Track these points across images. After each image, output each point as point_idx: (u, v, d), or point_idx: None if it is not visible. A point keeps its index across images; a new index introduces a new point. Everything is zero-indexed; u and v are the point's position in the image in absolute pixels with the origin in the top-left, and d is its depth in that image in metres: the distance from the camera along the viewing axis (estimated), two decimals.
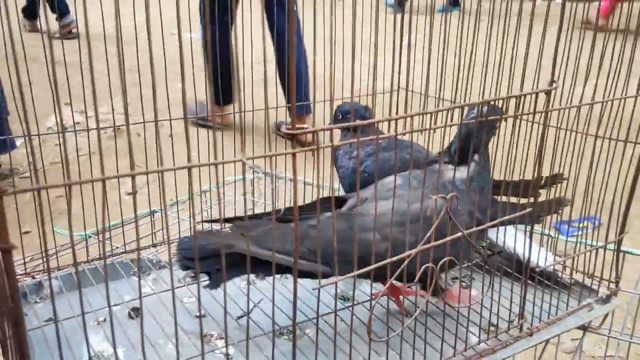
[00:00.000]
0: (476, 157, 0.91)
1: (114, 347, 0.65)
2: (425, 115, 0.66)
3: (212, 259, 0.78)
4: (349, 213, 0.87)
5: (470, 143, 0.86)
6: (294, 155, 0.57)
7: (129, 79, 0.72)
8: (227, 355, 0.86)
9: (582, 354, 2.15)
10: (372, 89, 0.60)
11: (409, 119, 0.64)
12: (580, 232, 1.09)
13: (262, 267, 0.79)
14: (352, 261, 0.68)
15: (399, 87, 0.95)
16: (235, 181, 1.50)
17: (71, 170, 0.52)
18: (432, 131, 0.68)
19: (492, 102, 0.77)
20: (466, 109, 0.87)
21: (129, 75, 0.68)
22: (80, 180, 0.50)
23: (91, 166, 1.32)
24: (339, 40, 0.71)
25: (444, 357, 0.80)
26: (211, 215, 1.35)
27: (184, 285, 1.04)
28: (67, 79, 1.01)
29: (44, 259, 0.61)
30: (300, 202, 1.24)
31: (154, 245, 1.17)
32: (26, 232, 1.13)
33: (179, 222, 1.26)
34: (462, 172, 0.92)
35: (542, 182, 1.03)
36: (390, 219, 0.73)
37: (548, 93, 0.77)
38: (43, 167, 1.36)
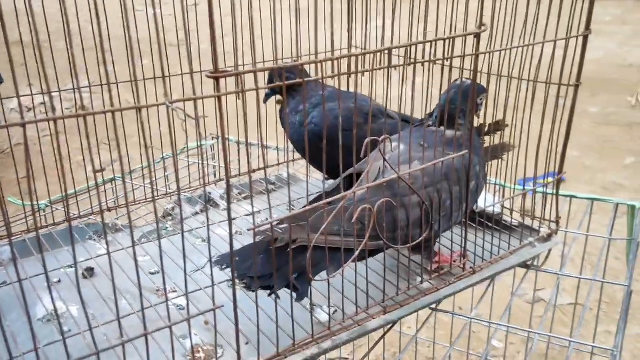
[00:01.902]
0: (460, 120, 0.93)
1: (54, 306, 0.66)
2: (351, 58, 0.67)
3: (279, 271, 0.72)
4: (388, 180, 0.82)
5: (451, 108, 0.90)
6: (219, 98, 0.59)
7: (93, 58, 0.72)
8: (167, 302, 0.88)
9: (548, 304, 2.23)
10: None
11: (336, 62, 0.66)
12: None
13: (331, 255, 0.76)
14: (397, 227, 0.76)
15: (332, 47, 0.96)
16: (192, 147, 1.51)
17: (35, 150, 0.53)
18: (360, 75, 0.70)
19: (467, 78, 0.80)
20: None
21: (91, 53, 0.68)
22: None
23: (67, 144, 1.32)
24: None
25: (387, 296, 0.84)
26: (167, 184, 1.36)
27: (138, 245, 1.05)
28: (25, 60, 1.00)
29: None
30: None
31: (109, 210, 1.18)
32: None
33: (133, 188, 1.27)
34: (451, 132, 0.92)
35: (486, 129, 1.06)
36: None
37: (477, 36, 0.79)
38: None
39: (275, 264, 0.70)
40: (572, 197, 1.31)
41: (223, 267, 0.76)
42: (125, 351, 0.66)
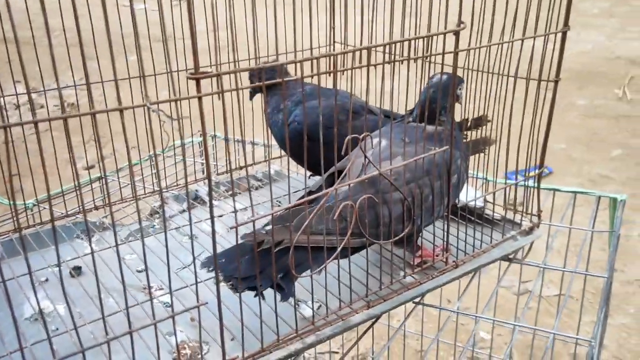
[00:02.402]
0: (442, 117, 0.94)
1: (39, 305, 0.67)
2: (331, 57, 0.68)
3: (264, 272, 0.74)
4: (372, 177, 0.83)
5: (431, 106, 0.90)
6: (199, 98, 0.59)
7: (78, 54, 0.72)
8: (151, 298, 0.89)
9: (531, 294, 2.26)
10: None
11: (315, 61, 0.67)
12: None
13: (314, 253, 0.77)
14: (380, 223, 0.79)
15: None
16: (178, 145, 1.51)
17: (21, 149, 0.53)
18: (340, 74, 0.71)
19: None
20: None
21: (77, 49, 0.68)
22: None
23: (53, 142, 1.32)
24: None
25: (370, 290, 0.85)
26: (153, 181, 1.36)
27: (124, 243, 1.06)
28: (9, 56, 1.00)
29: None
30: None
31: (97, 208, 1.19)
32: None
33: (120, 186, 1.28)
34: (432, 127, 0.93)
35: (468, 124, 1.07)
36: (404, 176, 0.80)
37: (456, 33, 0.80)
38: None
39: (258, 266, 0.71)
40: (555, 190, 1.33)
41: (210, 269, 0.76)
42: (110, 349, 0.67)
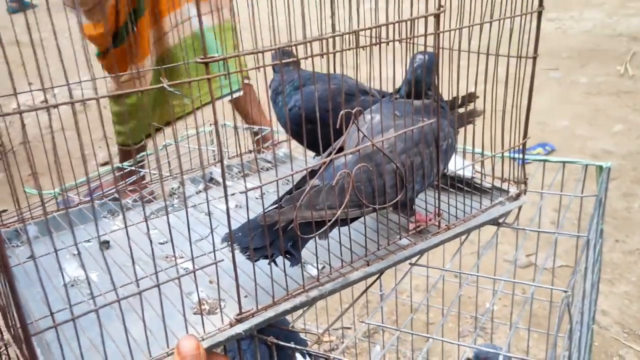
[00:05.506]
0: (429, 92, 1.02)
1: (84, 268, 0.77)
2: (322, 41, 0.78)
3: (274, 242, 0.84)
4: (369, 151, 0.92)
5: (418, 84, 0.98)
6: (209, 80, 0.69)
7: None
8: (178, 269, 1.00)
9: (536, 267, 2.35)
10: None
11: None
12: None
13: (319, 228, 0.87)
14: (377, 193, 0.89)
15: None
16: (195, 134, 1.61)
17: (38, 147, 0.62)
18: (332, 55, 0.80)
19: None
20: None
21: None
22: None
23: (65, 141, 1.42)
24: None
25: (369, 251, 0.94)
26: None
27: (146, 220, 1.16)
28: (22, 58, 1.09)
29: (17, 210, 0.73)
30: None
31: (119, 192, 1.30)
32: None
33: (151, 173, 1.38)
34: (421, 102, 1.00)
35: (459, 102, 1.16)
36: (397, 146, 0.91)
37: (437, 16, 0.89)
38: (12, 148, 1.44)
39: (268, 240, 0.82)
40: (545, 161, 1.42)
41: (228, 243, 0.86)
42: (142, 304, 0.77)
